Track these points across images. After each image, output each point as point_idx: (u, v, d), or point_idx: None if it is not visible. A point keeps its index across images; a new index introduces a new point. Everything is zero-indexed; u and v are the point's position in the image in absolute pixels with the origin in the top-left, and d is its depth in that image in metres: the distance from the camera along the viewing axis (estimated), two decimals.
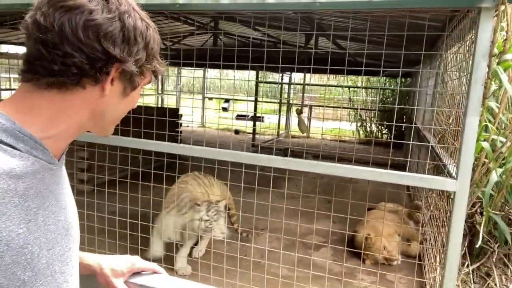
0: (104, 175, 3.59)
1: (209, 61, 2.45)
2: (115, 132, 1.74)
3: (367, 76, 10.95)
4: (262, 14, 2.39)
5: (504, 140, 2.85)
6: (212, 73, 16.26)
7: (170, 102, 12.29)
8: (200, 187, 3.51)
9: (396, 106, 2.36)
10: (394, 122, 4.79)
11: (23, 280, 0.55)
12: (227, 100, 12.93)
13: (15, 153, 0.60)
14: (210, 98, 12.92)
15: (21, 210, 0.57)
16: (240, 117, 11.21)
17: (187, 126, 9.13)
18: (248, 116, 11.46)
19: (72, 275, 0.64)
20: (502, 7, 1.93)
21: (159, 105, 10.27)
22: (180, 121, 7.20)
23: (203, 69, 11.67)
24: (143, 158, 3.24)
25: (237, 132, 10.32)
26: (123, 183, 2.68)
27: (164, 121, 2.56)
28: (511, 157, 2.89)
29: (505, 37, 2.42)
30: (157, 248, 3.13)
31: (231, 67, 9.46)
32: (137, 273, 0.92)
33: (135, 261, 0.93)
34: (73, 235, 0.67)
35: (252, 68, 9.66)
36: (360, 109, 11.56)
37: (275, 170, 2.21)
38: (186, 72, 10.29)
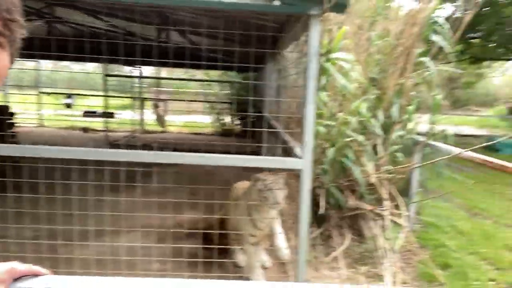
0: None
1: (41, 51, 2.25)
2: None
3: (220, 71, 11.44)
4: (116, 4, 2.31)
5: (334, 123, 3.47)
6: (45, 65, 14.30)
7: None
8: None
9: (249, 98, 2.61)
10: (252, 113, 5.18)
11: None
12: (69, 96, 11.66)
13: None
14: (48, 93, 11.43)
15: None
16: (88, 113, 10.28)
17: (21, 125, 7.93)
18: (96, 112, 10.64)
19: None
20: (326, 14, 2.36)
21: None
22: (13, 121, 6.24)
23: (36, 60, 10.23)
24: None
25: (85, 130, 9.47)
26: None
27: None
28: (340, 138, 3.54)
29: (330, 39, 2.95)
30: None
31: (73, 59, 8.54)
32: (19, 278, 0.85)
33: (15, 266, 0.86)
34: None
35: (95, 60, 8.93)
36: (213, 102, 12.03)
37: (132, 166, 2.22)
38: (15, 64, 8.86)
